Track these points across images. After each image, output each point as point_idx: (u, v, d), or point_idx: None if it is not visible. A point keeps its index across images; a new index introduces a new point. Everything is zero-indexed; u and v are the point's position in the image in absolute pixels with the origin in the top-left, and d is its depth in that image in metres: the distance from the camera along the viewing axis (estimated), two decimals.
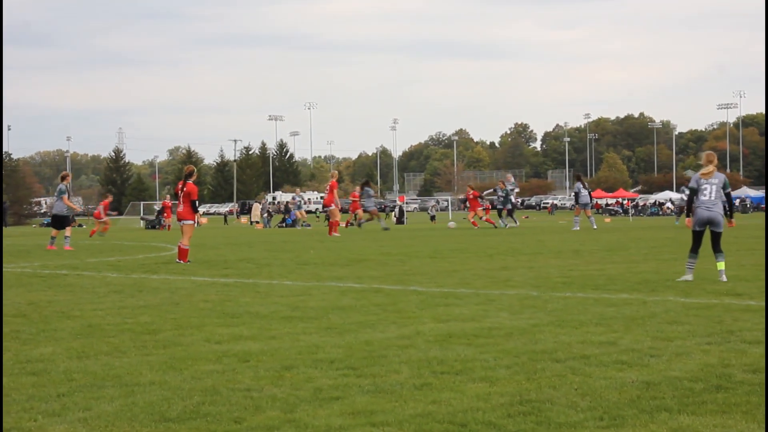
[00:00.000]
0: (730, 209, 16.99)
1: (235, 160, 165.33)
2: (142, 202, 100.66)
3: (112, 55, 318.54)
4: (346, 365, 8.49)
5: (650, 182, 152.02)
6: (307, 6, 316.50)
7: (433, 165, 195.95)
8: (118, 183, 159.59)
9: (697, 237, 16.18)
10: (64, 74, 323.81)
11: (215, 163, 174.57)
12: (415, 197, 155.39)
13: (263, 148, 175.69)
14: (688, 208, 16.32)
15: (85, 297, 14.59)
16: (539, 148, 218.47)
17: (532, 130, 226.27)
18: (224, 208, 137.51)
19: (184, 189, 22.81)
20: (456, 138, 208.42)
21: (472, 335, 10.16)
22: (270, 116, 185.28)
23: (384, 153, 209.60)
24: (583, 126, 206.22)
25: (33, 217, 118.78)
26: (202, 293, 14.99)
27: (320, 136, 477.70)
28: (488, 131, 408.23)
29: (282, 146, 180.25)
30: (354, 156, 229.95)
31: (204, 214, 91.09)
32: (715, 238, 16.03)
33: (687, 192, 16.62)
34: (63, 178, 30.25)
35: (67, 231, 29.68)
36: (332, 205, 38.70)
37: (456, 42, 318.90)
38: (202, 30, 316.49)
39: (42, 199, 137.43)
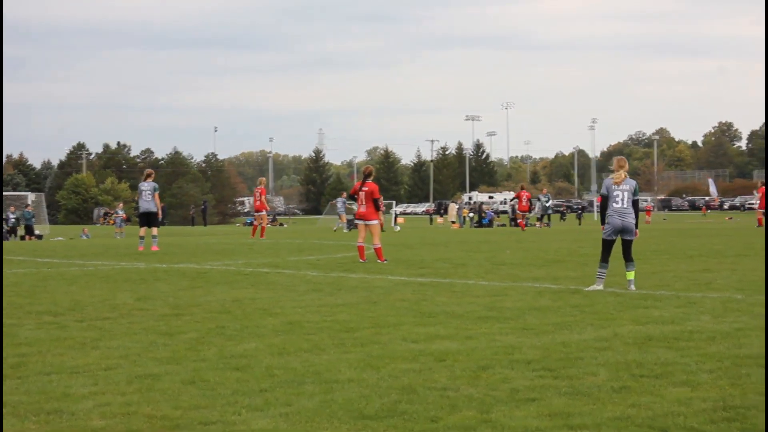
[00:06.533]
0: (635, 218, 15.62)
1: (431, 161, 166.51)
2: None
3: (316, 58, 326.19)
4: (542, 366, 8.42)
5: None
6: (506, 7, 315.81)
7: (633, 165, 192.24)
8: (318, 183, 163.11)
9: (609, 246, 15.46)
10: (269, 76, 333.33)
11: (412, 163, 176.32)
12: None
13: (460, 148, 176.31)
14: (602, 215, 15.62)
15: (286, 295, 14.94)
16: (744, 148, 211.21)
17: (737, 129, 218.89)
18: (421, 209, 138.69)
19: (365, 189, 22.77)
20: (657, 137, 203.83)
21: (672, 338, 9.93)
22: (467, 116, 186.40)
23: (581, 153, 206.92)
24: None
25: (237, 216, 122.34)
26: (399, 292, 15.14)
27: (517, 136, 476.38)
28: (690, 130, 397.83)
29: (478, 146, 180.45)
30: (551, 156, 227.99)
31: (401, 213, 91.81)
32: (626, 246, 15.45)
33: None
34: (149, 176, 28.70)
35: (154, 230, 28.13)
36: (262, 210, 40.64)
37: (656, 40, 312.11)
38: (407, 32, 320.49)
39: (245, 198, 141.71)
